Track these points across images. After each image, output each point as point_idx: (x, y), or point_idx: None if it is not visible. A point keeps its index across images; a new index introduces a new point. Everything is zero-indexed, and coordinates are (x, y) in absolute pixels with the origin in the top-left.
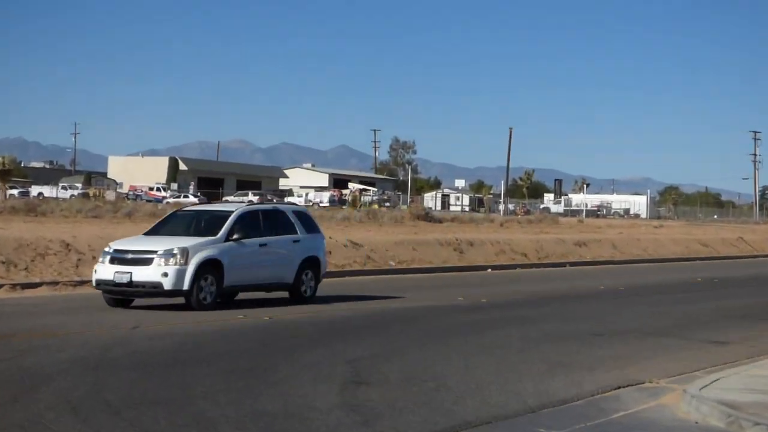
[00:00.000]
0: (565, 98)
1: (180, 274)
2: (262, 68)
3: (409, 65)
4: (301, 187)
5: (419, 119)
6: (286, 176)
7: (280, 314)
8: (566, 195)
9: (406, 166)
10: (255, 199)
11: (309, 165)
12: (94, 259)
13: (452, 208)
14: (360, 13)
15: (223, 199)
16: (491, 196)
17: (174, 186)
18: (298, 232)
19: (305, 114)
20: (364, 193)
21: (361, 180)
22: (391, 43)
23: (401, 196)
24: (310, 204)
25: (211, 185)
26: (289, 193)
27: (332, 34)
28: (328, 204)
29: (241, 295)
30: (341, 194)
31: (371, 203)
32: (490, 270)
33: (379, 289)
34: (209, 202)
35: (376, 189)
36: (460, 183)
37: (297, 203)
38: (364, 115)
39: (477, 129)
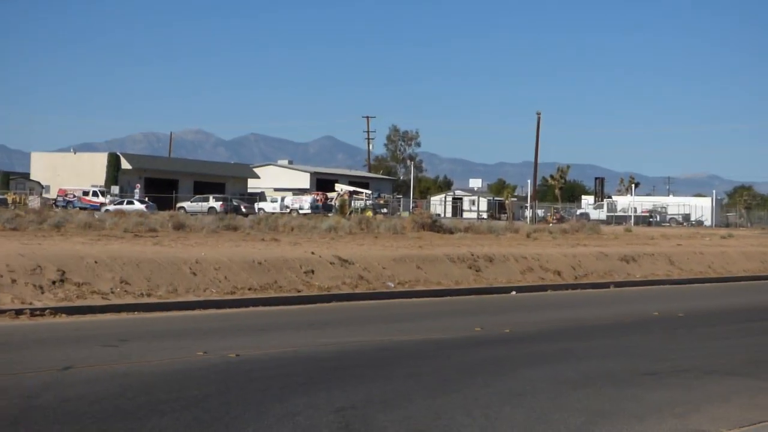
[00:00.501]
0: (606, 79)
1: None
2: (223, 45)
3: (410, 38)
4: (276, 190)
5: (424, 105)
6: (256, 176)
7: (249, 349)
8: (610, 197)
9: (408, 162)
10: (218, 205)
11: (285, 161)
12: (14, 283)
13: (466, 215)
14: None
15: (178, 205)
16: (515, 199)
17: (115, 189)
18: None
19: (279, 98)
20: (354, 196)
21: (351, 180)
22: (386, 12)
23: (402, 200)
24: (287, 211)
25: (162, 188)
26: (261, 197)
27: (312, 3)
28: (309, 210)
29: (203, 324)
30: (326, 198)
31: (364, 209)
32: (514, 293)
33: (374, 318)
34: (160, 208)
35: (369, 191)
36: (476, 183)
37: (269, 209)
38: (354, 100)
39: (497, 116)
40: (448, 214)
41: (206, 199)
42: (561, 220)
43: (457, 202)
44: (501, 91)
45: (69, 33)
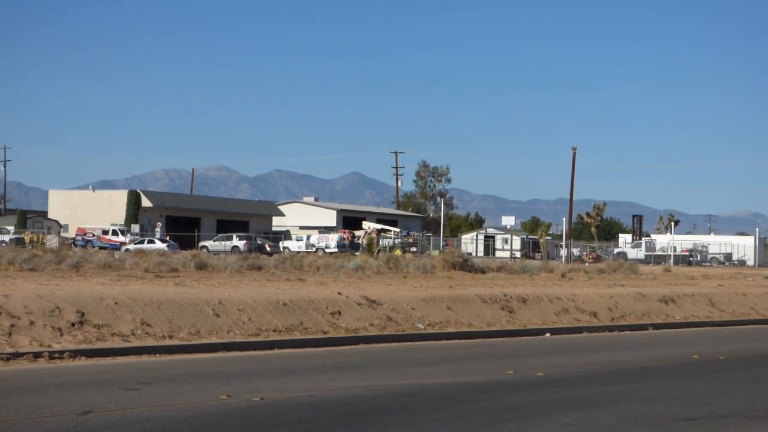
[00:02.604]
0: (644, 114)
1: None
2: (246, 80)
3: (440, 72)
4: (301, 228)
5: (454, 140)
6: (281, 213)
7: (274, 392)
8: (648, 236)
9: (438, 199)
10: (241, 244)
11: (311, 198)
12: (32, 325)
13: (499, 254)
14: (373, 6)
15: (200, 244)
16: (550, 237)
17: (135, 228)
18: None
19: (304, 133)
20: (383, 234)
21: (379, 218)
22: (414, 46)
23: (431, 238)
24: (313, 249)
25: (184, 226)
26: (286, 235)
27: (339, 36)
28: (336, 249)
29: (227, 367)
30: (353, 236)
31: (392, 248)
32: (548, 335)
33: (403, 360)
34: (182, 248)
35: (398, 229)
36: (508, 221)
37: (295, 248)
38: (382, 134)
39: (531, 152)
40: (480, 253)
41: (229, 238)
42: (597, 259)
43: (489, 240)
44: (535, 126)
45: (87, 69)
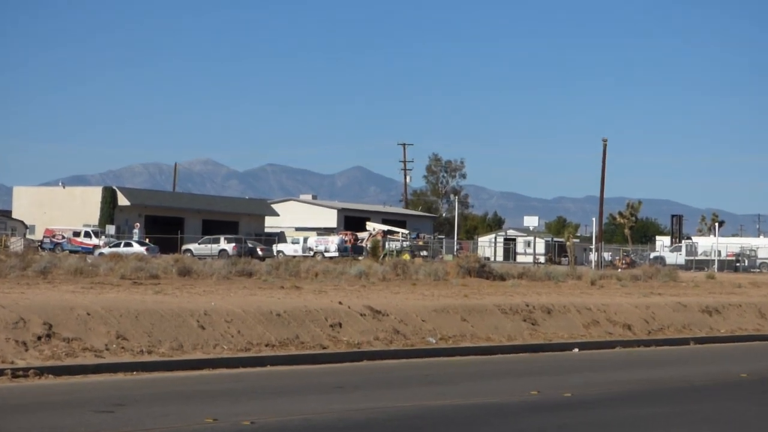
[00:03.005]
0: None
1: None
2: (234, 65)
3: (453, 54)
4: (297, 229)
5: (469, 130)
6: (274, 213)
7: (266, 415)
8: (689, 238)
9: (451, 196)
10: (230, 247)
11: (308, 196)
12: None
13: (520, 259)
14: None
15: (184, 248)
16: (577, 240)
17: (111, 229)
18: None
19: (300, 124)
20: (389, 236)
21: (386, 218)
22: (422, 23)
23: (444, 240)
24: (311, 254)
25: (165, 227)
26: (280, 237)
27: (339, 17)
28: (336, 253)
29: (213, 386)
30: (356, 239)
31: (400, 252)
32: (576, 350)
33: (412, 379)
34: (163, 251)
35: (407, 231)
36: (531, 221)
37: (290, 252)
38: (387, 124)
39: (555, 144)
40: (499, 258)
41: (216, 241)
42: (631, 264)
43: (509, 243)
44: (561, 116)
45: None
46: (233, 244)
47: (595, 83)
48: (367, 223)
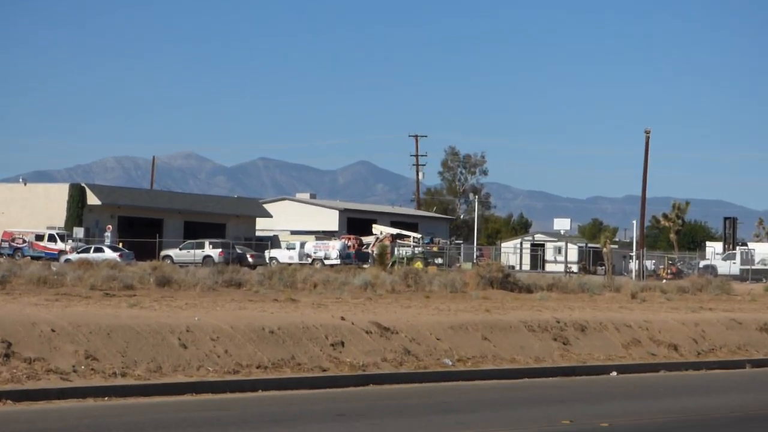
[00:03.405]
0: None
1: None
2: (222, 44)
3: (470, 33)
4: (293, 233)
5: (491, 120)
6: (267, 214)
7: None
8: (744, 244)
9: (471, 196)
10: (216, 253)
11: (306, 195)
12: None
13: (550, 267)
14: None
15: (163, 254)
16: (616, 246)
17: (79, 232)
18: None
19: (297, 113)
20: (399, 241)
21: (395, 220)
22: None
23: (462, 246)
24: (308, 261)
25: (142, 230)
26: (273, 242)
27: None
28: (338, 261)
29: (196, 413)
30: (360, 244)
31: (412, 259)
32: (614, 373)
33: (425, 406)
34: (139, 258)
35: (419, 235)
36: (562, 224)
37: (285, 259)
38: (397, 113)
39: (590, 136)
40: (526, 266)
41: (200, 246)
42: (678, 274)
43: (537, 249)
44: (596, 104)
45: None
46: (219, 250)
47: (637, 69)
48: (374, 225)
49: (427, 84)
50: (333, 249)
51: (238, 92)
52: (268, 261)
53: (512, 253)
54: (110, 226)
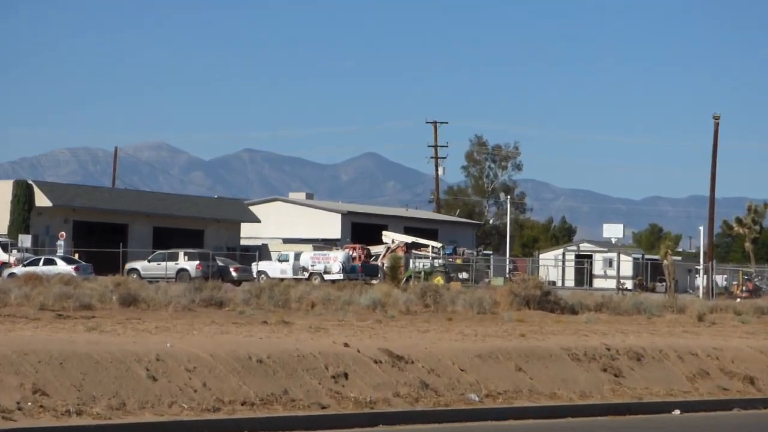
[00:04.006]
0: None
1: None
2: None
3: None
4: (286, 241)
5: (526, 105)
6: (254, 218)
7: None
8: None
9: (502, 196)
10: (192, 266)
11: (301, 194)
12: None
13: (598, 283)
14: None
15: (128, 266)
16: (678, 258)
17: (25, 240)
18: None
19: (291, 96)
20: (414, 252)
21: (409, 225)
22: None
23: (492, 257)
24: (304, 275)
25: (102, 237)
26: (262, 253)
27: None
28: (341, 275)
29: None
30: (368, 254)
31: (430, 273)
32: (677, 412)
33: None
34: (99, 271)
35: (439, 244)
36: (613, 231)
37: (276, 273)
38: (411, 97)
39: (645, 124)
40: (569, 282)
41: (174, 257)
42: (755, 292)
43: (583, 261)
44: (654, 89)
45: None
46: (197, 262)
47: (703, 47)
48: (384, 232)
49: (447, 60)
50: (334, 261)
51: (219, 70)
52: (255, 275)
53: (553, 265)
54: (63, 233)
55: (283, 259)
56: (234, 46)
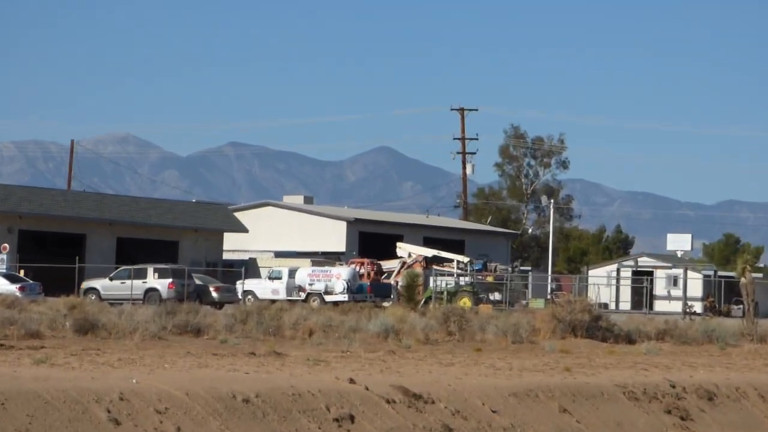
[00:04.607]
0: None
1: None
2: None
3: None
4: (278, 255)
5: (571, 91)
6: (240, 227)
7: None
8: None
9: (544, 200)
10: (163, 285)
11: (299, 198)
12: None
13: (660, 306)
14: None
15: (85, 285)
16: (759, 275)
17: None
18: None
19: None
20: (436, 268)
21: (429, 236)
22: None
23: (530, 274)
24: (300, 296)
25: (54, 250)
26: (250, 269)
27: None
28: (345, 296)
29: None
30: (379, 271)
31: (455, 293)
32: None
33: None
34: (49, 291)
35: (466, 259)
36: (679, 242)
37: (266, 293)
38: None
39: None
40: (625, 304)
41: (141, 274)
42: None
43: (642, 279)
44: (725, 70)
45: None
46: (169, 281)
47: None
48: (399, 244)
49: (476, 34)
50: (338, 279)
51: (199, 47)
52: (241, 297)
53: (605, 284)
54: (6, 245)
55: (274, 277)
56: (216, 19)
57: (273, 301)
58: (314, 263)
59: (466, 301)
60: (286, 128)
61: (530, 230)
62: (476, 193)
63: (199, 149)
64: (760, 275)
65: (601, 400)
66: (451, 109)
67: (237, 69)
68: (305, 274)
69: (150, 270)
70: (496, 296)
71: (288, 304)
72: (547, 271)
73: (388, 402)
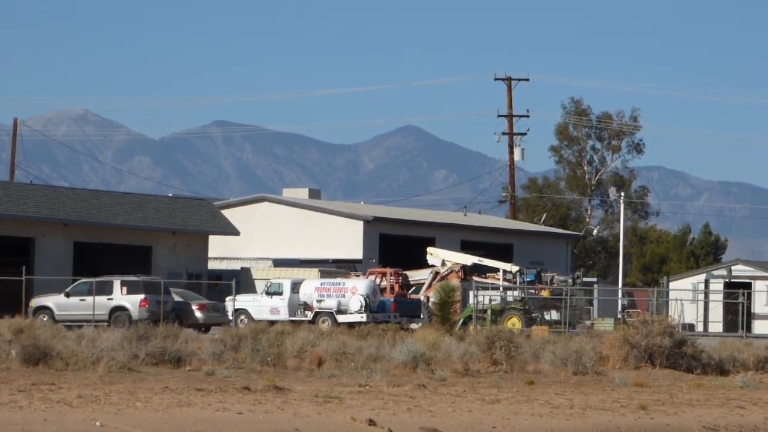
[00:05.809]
0: None
1: None
2: None
3: None
4: (278, 263)
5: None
6: (231, 229)
7: None
8: None
9: (613, 193)
10: (134, 302)
11: (303, 191)
12: None
13: (760, 327)
14: None
15: (35, 303)
16: None
17: None
18: None
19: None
20: (477, 279)
21: (468, 239)
22: None
23: (596, 286)
24: (305, 317)
25: None
26: (242, 281)
27: None
28: (363, 315)
29: None
30: (405, 284)
31: (502, 312)
32: None
33: None
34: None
35: (514, 267)
36: None
37: (262, 312)
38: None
39: None
40: (716, 325)
41: (105, 289)
42: None
43: (737, 293)
44: None
45: None
46: (141, 297)
47: None
48: (430, 249)
49: None
50: (353, 294)
51: (175, 8)
52: (231, 317)
53: (690, 300)
54: None
55: (273, 292)
56: None
57: (272, 323)
58: (323, 274)
59: (515, 322)
60: (287, 104)
61: (595, 231)
62: (527, 185)
63: (177, 130)
64: None
65: None
66: (496, 79)
67: (223, 31)
68: (312, 288)
69: (116, 283)
70: (553, 315)
71: (291, 326)
72: (617, 284)
73: None
